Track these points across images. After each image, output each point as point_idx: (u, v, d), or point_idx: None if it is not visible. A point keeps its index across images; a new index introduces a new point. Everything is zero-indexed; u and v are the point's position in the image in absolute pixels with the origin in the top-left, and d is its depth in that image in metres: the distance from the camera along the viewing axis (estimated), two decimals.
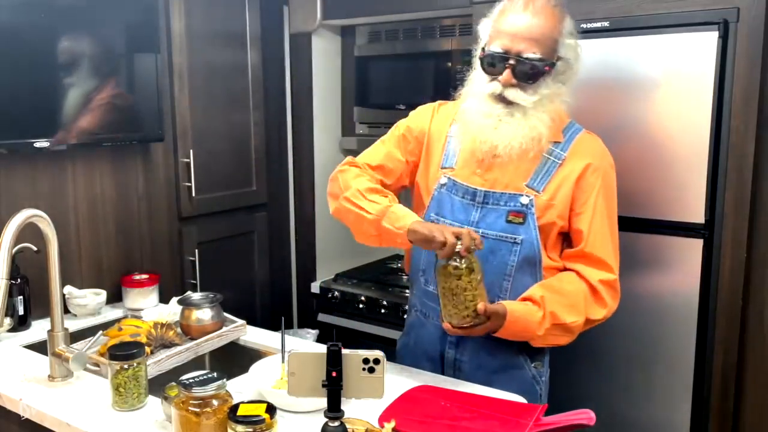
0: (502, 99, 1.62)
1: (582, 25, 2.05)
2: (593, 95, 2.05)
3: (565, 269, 1.69)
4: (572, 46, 1.64)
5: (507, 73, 1.59)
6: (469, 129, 1.67)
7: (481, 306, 1.51)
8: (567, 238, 1.72)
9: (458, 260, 1.50)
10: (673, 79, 1.93)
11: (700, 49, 1.88)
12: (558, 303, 1.60)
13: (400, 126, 1.83)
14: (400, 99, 2.80)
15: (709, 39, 1.86)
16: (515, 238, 1.64)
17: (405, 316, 1.95)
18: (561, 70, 1.64)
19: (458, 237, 1.50)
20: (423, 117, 1.82)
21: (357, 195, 1.66)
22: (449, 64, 2.63)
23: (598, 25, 2.03)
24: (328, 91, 3.03)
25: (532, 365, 1.73)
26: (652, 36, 1.95)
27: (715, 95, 1.88)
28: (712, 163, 1.91)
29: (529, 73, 1.59)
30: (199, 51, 2.54)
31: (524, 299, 1.62)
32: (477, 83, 1.67)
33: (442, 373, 1.73)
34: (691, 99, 1.91)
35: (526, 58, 1.58)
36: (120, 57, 2.24)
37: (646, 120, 1.98)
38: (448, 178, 1.72)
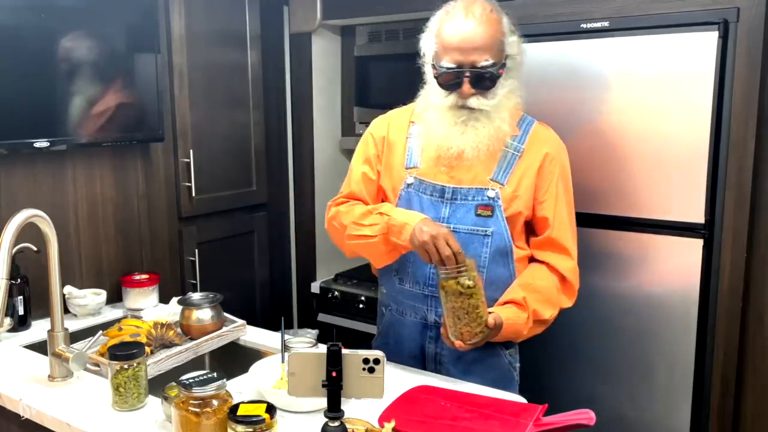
0: (464, 107, 1.66)
1: (582, 25, 2.05)
2: (593, 95, 2.06)
3: (533, 259, 1.76)
4: (515, 42, 1.69)
5: (466, 86, 1.62)
6: (433, 137, 1.71)
7: (491, 320, 1.57)
8: (529, 227, 1.77)
9: (467, 278, 1.51)
10: (673, 79, 1.93)
11: (700, 49, 1.88)
12: (536, 301, 1.68)
13: (363, 144, 1.87)
14: (400, 99, 2.77)
15: (709, 39, 1.87)
16: (486, 231, 1.69)
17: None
18: (511, 67, 1.68)
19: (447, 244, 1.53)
20: (380, 126, 1.86)
21: (354, 227, 1.73)
22: None
23: (598, 25, 2.03)
24: (327, 91, 3.03)
25: (507, 352, 1.79)
26: (652, 36, 1.95)
27: (715, 95, 1.88)
28: (712, 163, 1.91)
29: (486, 81, 1.63)
30: (199, 51, 2.54)
31: (509, 302, 1.67)
32: (435, 96, 1.70)
33: (424, 368, 1.78)
34: (691, 99, 1.91)
35: (481, 67, 1.61)
36: (120, 57, 2.24)
37: (646, 120, 1.98)
38: (414, 177, 1.75)
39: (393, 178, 1.80)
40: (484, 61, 1.60)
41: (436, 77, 1.67)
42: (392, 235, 1.64)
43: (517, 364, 1.82)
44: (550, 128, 1.78)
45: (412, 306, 1.78)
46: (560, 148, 1.76)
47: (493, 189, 1.69)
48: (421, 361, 1.81)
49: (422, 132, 1.75)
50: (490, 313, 1.60)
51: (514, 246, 1.72)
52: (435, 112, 1.71)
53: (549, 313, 1.69)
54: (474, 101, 1.64)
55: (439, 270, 1.55)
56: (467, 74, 1.61)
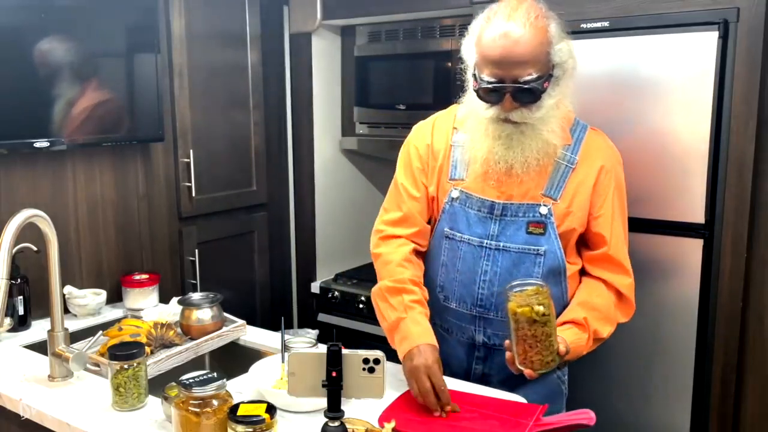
0: (507, 120, 1.56)
1: (582, 25, 2.05)
2: (593, 96, 2.05)
3: (585, 272, 1.69)
4: (564, 49, 1.55)
5: (507, 101, 1.52)
6: (478, 150, 1.61)
7: (563, 348, 1.48)
8: (581, 239, 1.69)
9: (542, 305, 1.41)
10: (673, 79, 1.93)
11: (700, 49, 1.88)
12: (596, 319, 1.60)
13: (405, 155, 1.75)
14: (400, 99, 2.80)
15: (709, 39, 1.86)
16: (538, 250, 1.61)
17: None
18: (559, 76, 1.56)
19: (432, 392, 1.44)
20: (423, 133, 1.74)
21: (379, 294, 1.66)
22: (449, 64, 2.63)
23: (598, 25, 2.03)
24: (328, 91, 3.03)
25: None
26: (652, 36, 1.95)
27: (715, 95, 1.88)
28: (712, 163, 1.91)
29: (529, 96, 1.51)
30: (199, 51, 2.54)
31: (568, 322, 1.59)
32: (476, 106, 1.59)
33: None
34: (691, 99, 1.91)
35: (524, 82, 1.49)
36: (120, 57, 2.24)
37: (646, 120, 1.98)
38: (460, 191, 1.66)
39: (438, 189, 1.70)
40: (527, 75, 1.48)
41: (476, 90, 1.55)
42: (395, 341, 1.58)
43: (566, 377, 1.75)
44: (603, 135, 1.70)
45: (459, 325, 1.69)
46: (615, 158, 1.68)
47: (545, 205, 1.60)
48: (463, 379, 1.70)
49: (466, 141, 1.64)
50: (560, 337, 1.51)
51: (567, 262, 1.64)
52: (476, 122, 1.60)
53: (607, 331, 1.61)
54: (517, 115, 1.53)
55: (509, 294, 1.44)
56: (508, 90, 1.50)
